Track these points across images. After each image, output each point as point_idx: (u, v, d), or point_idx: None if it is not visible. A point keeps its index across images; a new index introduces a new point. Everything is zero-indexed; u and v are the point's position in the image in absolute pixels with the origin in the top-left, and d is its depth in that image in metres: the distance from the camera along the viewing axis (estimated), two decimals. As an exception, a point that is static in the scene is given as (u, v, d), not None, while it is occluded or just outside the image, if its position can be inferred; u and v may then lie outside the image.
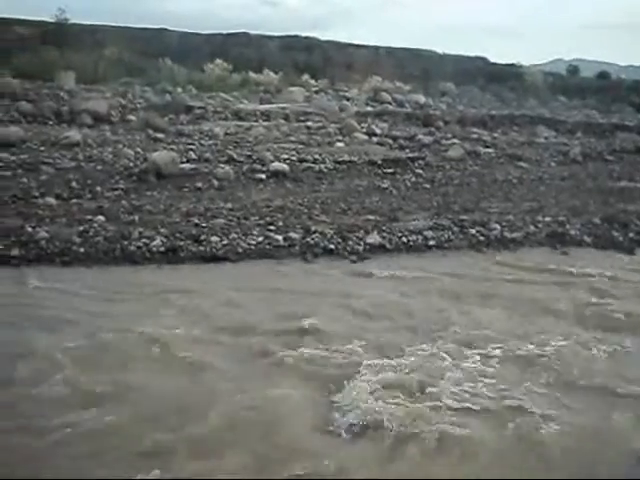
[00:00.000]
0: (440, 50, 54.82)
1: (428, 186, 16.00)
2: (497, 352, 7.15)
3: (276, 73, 39.46)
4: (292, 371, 6.59)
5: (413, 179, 16.60)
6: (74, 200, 12.90)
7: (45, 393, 5.90)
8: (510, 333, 7.71)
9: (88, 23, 42.83)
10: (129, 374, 6.39)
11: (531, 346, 7.31)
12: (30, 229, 10.79)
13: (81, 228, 11.02)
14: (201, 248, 10.61)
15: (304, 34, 52.15)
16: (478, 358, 6.97)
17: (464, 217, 12.94)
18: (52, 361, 6.50)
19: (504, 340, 7.46)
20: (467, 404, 5.97)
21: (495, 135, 24.22)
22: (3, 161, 15.29)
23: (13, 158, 15.59)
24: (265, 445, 5.27)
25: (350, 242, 11.26)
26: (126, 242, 10.56)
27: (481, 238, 11.99)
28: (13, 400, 5.82)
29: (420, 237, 11.72)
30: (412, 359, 6.83)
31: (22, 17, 40.19)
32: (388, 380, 6.30)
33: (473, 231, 12.18)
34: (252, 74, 39.00)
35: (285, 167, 16.26)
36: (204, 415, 5.63)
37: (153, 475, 4.59)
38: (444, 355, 6.99)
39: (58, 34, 37.93)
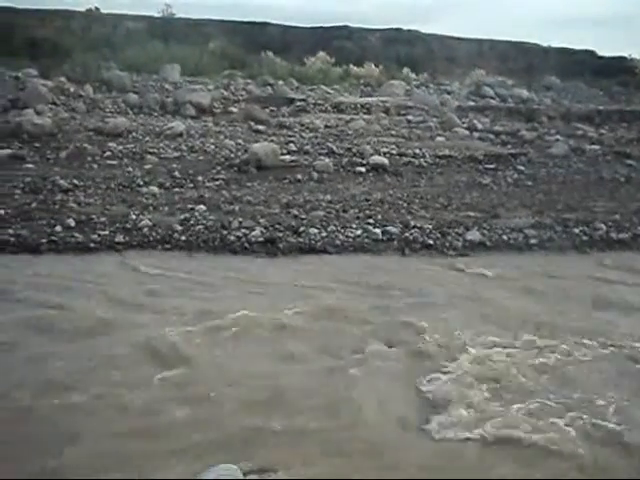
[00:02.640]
0: (545, 43, 53.16)
1: (530, 183, 15.59)
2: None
3: (377, 66, 39.29)
4: (387, 367, 6.50)
5: (515, 176, 16.21)
6: (176, 189, 13.22)
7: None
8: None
9: (193, 17, 43.82)
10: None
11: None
12: (134, 216, 11.13)
13: (182, 217, 11.28)
14: (300, 239, 10.63)
15: (406, 27, 51.50)
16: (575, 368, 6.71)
17: (567, 216, 12.53)
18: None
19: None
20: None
21: (602, 132, 23.39)
22: (111, 150, 15.87)
23: (120, 148, 16.16)
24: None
25: (449, 238, 11.07)
26: (226, 232, 10.71)
27: (585, 238, 11.53)
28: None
29: (521, 235, 11.39)
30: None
31: (131, 12, 41.49)
32: (490, 378, 6.16)
33: (577, 230, 11.74)
34: (353, 67, 38.96)
35: (385, 161, 16.17)
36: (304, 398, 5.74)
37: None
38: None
39: (164, 28, 38.91)
